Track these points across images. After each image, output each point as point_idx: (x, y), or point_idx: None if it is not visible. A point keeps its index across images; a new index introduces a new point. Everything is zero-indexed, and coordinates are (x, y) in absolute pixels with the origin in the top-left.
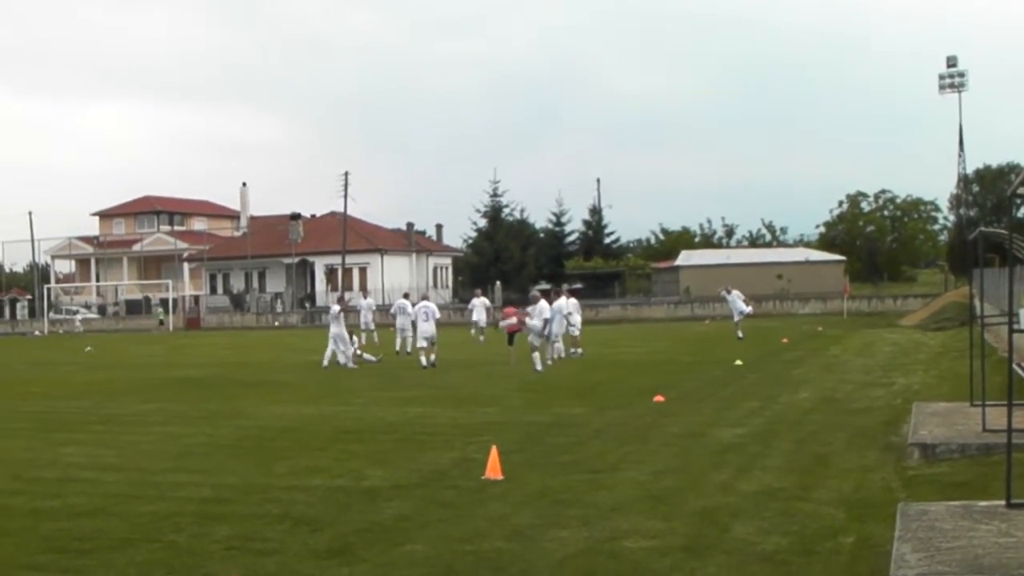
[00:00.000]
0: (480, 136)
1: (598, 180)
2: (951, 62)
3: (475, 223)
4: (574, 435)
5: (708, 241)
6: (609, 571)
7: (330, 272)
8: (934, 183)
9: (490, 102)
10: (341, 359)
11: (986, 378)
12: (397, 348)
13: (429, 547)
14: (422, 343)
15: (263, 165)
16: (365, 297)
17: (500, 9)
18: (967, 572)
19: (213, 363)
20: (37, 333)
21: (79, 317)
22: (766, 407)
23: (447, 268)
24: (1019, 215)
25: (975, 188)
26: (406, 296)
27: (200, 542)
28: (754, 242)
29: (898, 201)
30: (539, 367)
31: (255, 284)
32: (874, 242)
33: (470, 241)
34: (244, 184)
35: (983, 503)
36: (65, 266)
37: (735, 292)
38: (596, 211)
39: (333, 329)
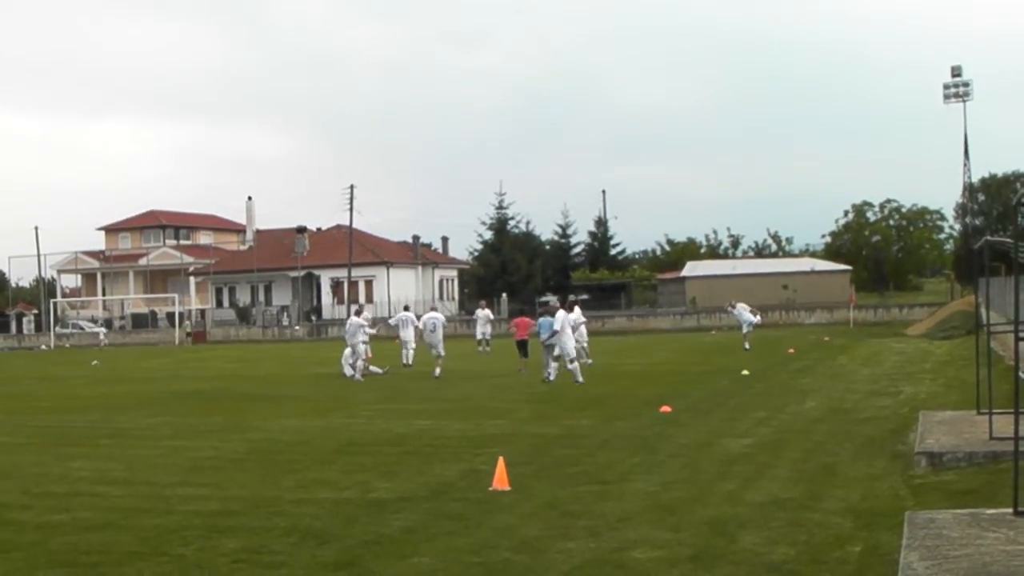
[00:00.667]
0: (486, 149)
1: (604, 192)
2: (956, 71)
3: (481, 235)
4: (581, 446)
5: (714, 252)
6: None
7: (336, 285)
8: (940, 192)
9: (496, 115)
10: (348, 371)
11: (993, 386)
12: (404, 361)
13: (436, 559)
14: (431, 351)
15: (269, 179)
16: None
17: (506, 23)
18: None
19: (220, 376)
20: (44, 347)
21: (103, 331)
22: (773, 417)
23: (453, 280)
24: None
25: (980, 197)
26: (406, 309)
27: (208, 555)
28: (760, 252)
29: (904, 210)
30: (579, 377)
31: (261, 298)
32: (880, 251)
33: (476, 253)
34: (250, 198)
35: (990, 511)
36: (71, 281)
37: (740, 305)
38: (602, 222)
39: (355, 340)
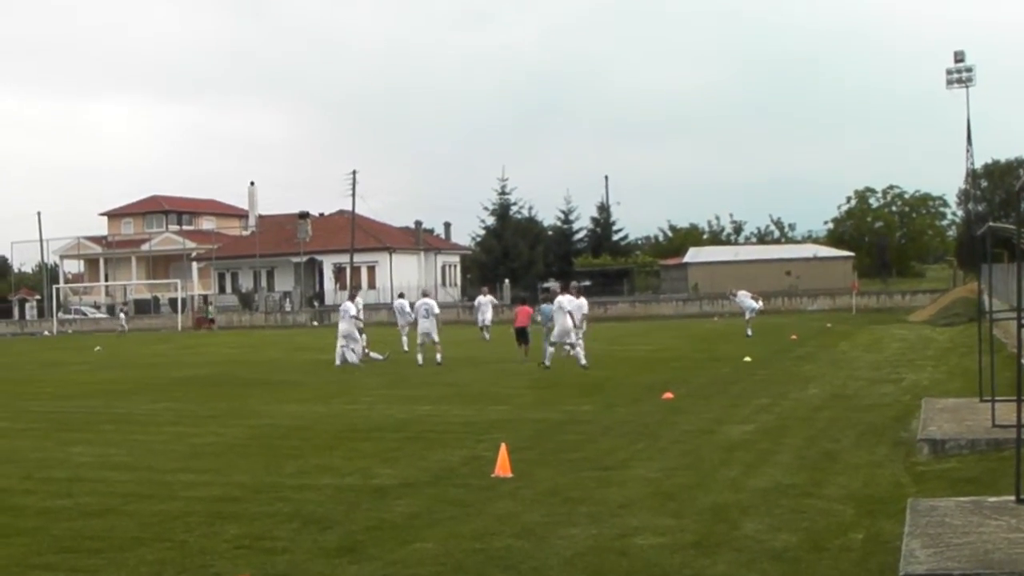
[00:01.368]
0: (488, 134)
1: (606, 177)
2: (959, 57)
3: (483, 221)
4: (583, 432)
5: (716, 238)
6: (619, 568)
7: (338, 271)
8: (942, 178)
9: (497, 99)
10: (351, 357)
11: (995, 374)
12: (405, 348)
13: (438, 545)
14: (421, 340)
15: (271, 164)
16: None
17: (507, 6)
18: (977, 567)
19: (222, 362)
20: (46, 333)
21: (123, 316)
22: (775, 404)
23: (456, 266)
24: None
25: (983, 183)
26: (401, 296)
27: (210, 541)
28: (762, 239)
29: (906, 197)
30: (584, 361)
31: (263, 283)
32: (882, 238)
33: (478, 239)
34: (252, 183)
35: (993, 499)
36: (74, 266)
37: (741, 292)
38: (604, 208)
39: (343, 327)
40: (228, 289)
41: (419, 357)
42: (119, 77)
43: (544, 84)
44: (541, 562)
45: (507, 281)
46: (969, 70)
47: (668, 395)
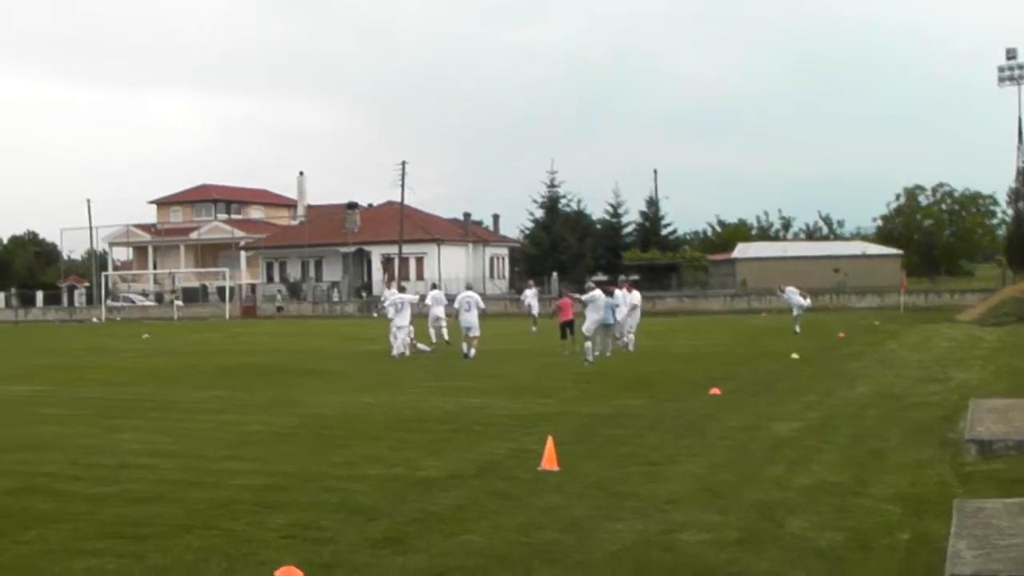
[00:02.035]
0: (537, 126)
1: (655, 171)
2: (1011, 54)
3: (532, 213)
4: (630, 427)
5: (765, 234)
6: (664, 564)
7: (387, 262)
8: (993, 176)
9: (547, 91)
10: (397, 347)
11: None
12: (436, 339)
13: (484, 537)
14: (463, 332)
15: (321, 154)
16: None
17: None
18: (1023, 570)
19: (270, 351)
20: (95, 320)
21: (178, 303)
22: (822, 401)
23: (504, 258)
24: None
25: None
26: (434, 287)
27: (256, 530)
28: (811, 235)
29: (956, 195)
30: (590, 357)
31: (312, 273)
32: (931, 236)
33: (527, 232)
34: (301, 173)
35: None
36: (123, 254)
37: (789, 288)
38: (653, 202)
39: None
40: (276, 278)
41: (472, 351)
42: (170, 69)
43: (593, 77)
44: (586, 556)
45: (555, 274)
46: (1021, 67)
47: (715, 391)
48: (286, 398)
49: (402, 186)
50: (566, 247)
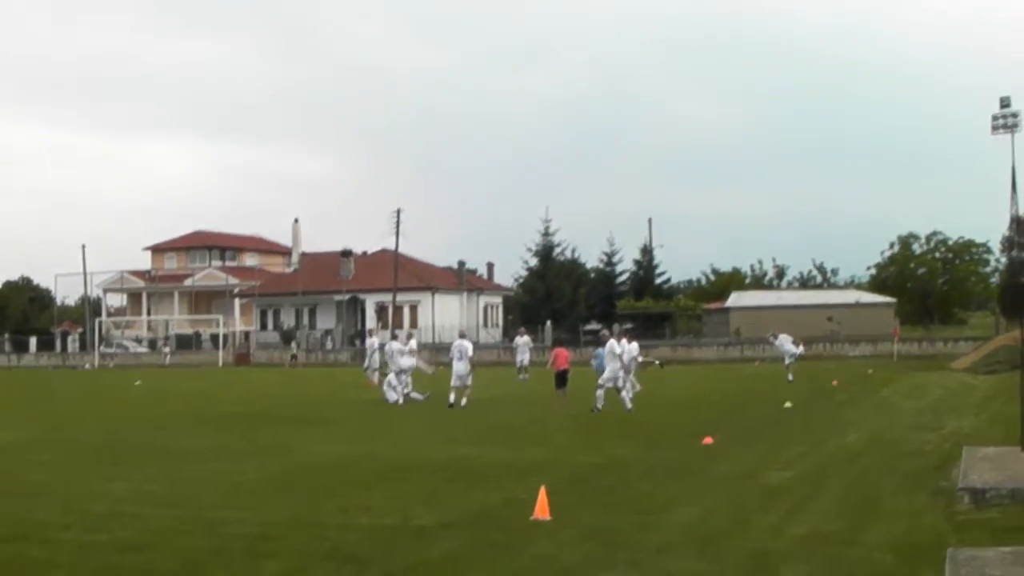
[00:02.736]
0: (531, 175)
1: (650, 220)
2: (1004, 103)
3: (526, 262)
4: (623, 475)
5: (759, 282)
6: None
7: (381, 310)
8: (986, 225)
9: (541, 140)
10: (391, 396)
11: None
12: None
13: None
14: (455, 382)
15: (316, 201)
16: (372, 336)
17: (549, 45)
18: None
19: (263, 399)
20: (88, 366)
21: (167, 349)
22: (816, 449)
23: (498, 307)
24: None
25: None
26: (395, 336)
27: None
28: (805, 283)
29: (950, 243)
30: (629, 405)
31: (305, 320)
32: (925, 284)
33: (521, 280)
34: (296, 220)
35: None
36: (117, 300)
37: (782, 336)
38: (647, 251)
39: (399, 363)
40: (270, 326)
41: (451, 397)
42: (166, 115)
43: (588, 124)
44: None
45: (548, 323)
46: (1015, 115)
47: (708, 439)
48: (278, 446)
49: (397, 234)
50: (560, 295)
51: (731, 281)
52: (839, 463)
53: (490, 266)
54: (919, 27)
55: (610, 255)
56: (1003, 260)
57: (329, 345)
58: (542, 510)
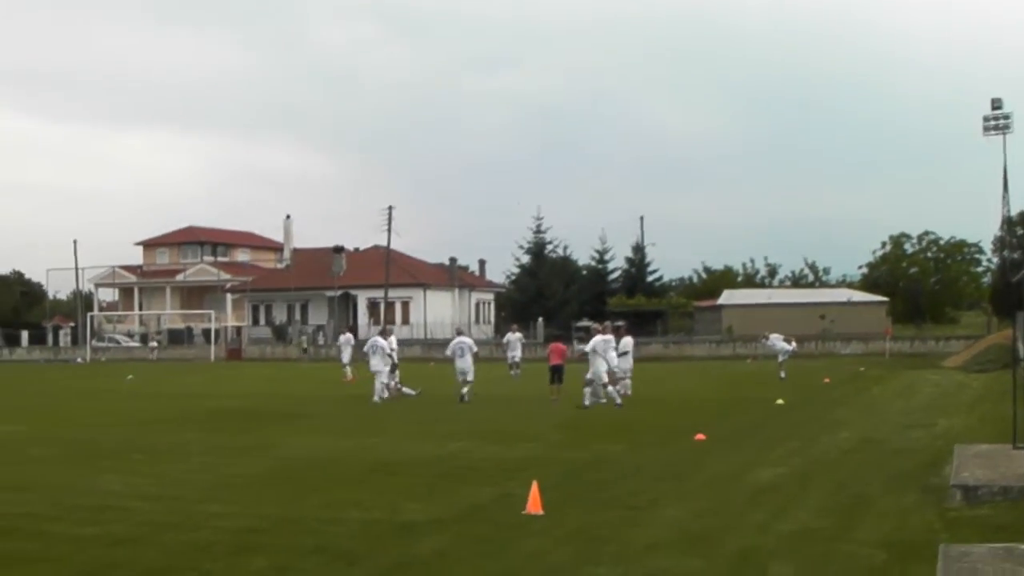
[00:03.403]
0: (523, 172)
1: (641, 218)
2: (996, 104)
3: (518, 259)
4: (614, 472)
5: (751, 280)
6: None
7: (372, 306)
8: (978, 225)
9: (534, 138)
10: (375, 399)
11: None
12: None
13: None
14: (458, 377)
15: (307, 197)
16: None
17: (540, 45)
18: None
19: (253, 395)
20: (79, 360)
21: (154, 343)
22: (807, 447)
23: (490, 304)
24: None
25: (1019, 230)
26: (382, 334)
27: (235, 572)
28: (797, 282)
29: (941, 243)
30: (619, 400)
31: (297, 316)
32: (917, 283)
33: (513, 277)
34: (288, 216)
35: None
36: (108, 295)
37: (773, 336)
38: (639, 249)
39: (374, 363)
40: (262, 321)
41: (465, 395)
42: (159, 110)
43: (578, 125)
44: None
45: (540, 320)
46: (1007, 117)
47: (699, 437)
48: (268, 441)
49: (388, 230)
50: (552, 293)
51: (723, 279)
52: (830, 460)
53: (482, 263)
54: (913, 27)
55: (602, 253)
56: (995, 260)
57: (321, 341)
58: (535, 505)
